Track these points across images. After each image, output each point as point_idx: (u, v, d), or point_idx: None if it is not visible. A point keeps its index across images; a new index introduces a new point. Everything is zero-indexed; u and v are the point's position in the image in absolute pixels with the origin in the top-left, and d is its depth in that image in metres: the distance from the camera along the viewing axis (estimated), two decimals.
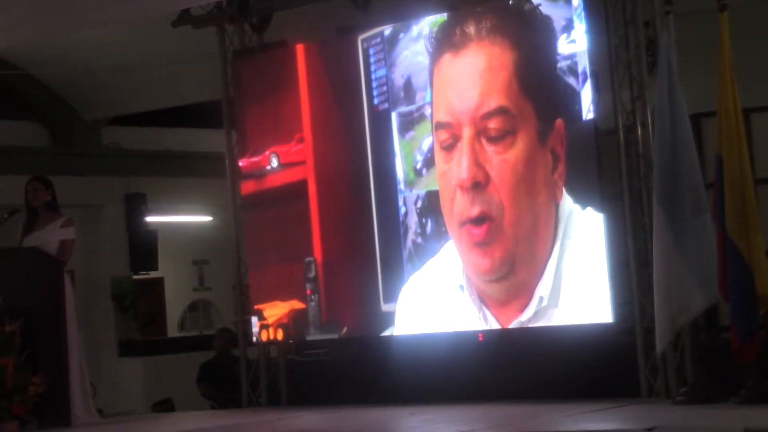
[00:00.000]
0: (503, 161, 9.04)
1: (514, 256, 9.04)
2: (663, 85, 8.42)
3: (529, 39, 9.11)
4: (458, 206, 9.29)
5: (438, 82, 9.49)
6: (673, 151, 8.35)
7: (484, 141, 9.12)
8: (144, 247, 14.97)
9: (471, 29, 9.25)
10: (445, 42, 9.44)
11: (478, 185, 9.12)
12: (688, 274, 8.22)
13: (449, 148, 9.32)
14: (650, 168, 8.68)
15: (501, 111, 9.07)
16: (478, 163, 9.12)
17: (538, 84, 9.05)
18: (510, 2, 9.30)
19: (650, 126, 8.90)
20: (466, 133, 9.18)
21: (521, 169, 9.00)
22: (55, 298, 9.56)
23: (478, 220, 9.15)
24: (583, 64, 8.85)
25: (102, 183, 14.64)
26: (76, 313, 9.86)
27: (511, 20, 9.18)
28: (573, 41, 8.91)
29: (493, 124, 9.09)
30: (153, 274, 15.52)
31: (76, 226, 10.10)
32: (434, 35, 9.53)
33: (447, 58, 9.40)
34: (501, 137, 9.06)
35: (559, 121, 8.91)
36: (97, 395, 10.45)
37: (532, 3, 9.11)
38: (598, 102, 8.86)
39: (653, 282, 8.36)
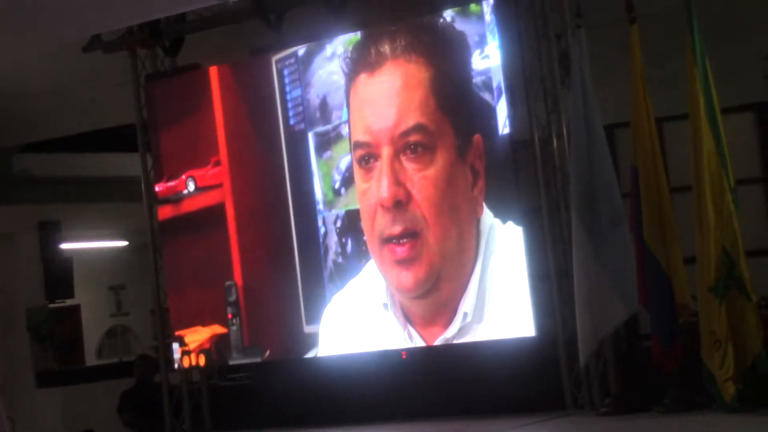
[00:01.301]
0: (424, 178, 9.04)
1: (439, 272, 9.03)
2: (577, 98, 8.51)
3: (445, 55, 9.14)
4: (379, 225, 9.26)
5: (355, 102, 9.48)
6: (589, 162, 8.43)
7: (403, 159, 9.11)
8: (59, 275, 14.73)
9: (386, 48, 9.25)
10: (360, 62, 9.43)
11: (400, 204, 9.10)
12: (608, 284, 8.29)
13: (368, 167, 9.29)
14: (567, 180, 8.75)
15: (419, 128, 9.07)
16: (398, 182, 9.11)
17: (455, 100, 9.07)
18: (423, 20, 9.29)
19: (566, 138, 8.96)
20: (385, 151, 9.17)
21: (442, 186, 9.00)
22: None
23: (401, 238, 9.12)
24: (498, 79, 8.89)
25: (14, 211, 14.37)
26: None
27: (426, 37, 9.20)
28: (487, 57, 8.94)
29: (412, 142, 9.08)
30: (69, 302, 15.28)
31: None
32: (349, 55, 9.52)
33: (363, 77, 9.39)
34: (420, 154, 9.06)
35: (477, 137, 8.94)
36: (15, 429, 10.23)
37: (445, 19, 9.13)
38: (513, 116, 8.90)
39: (574, 293, 8.42)
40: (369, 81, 9.36)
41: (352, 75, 9.48)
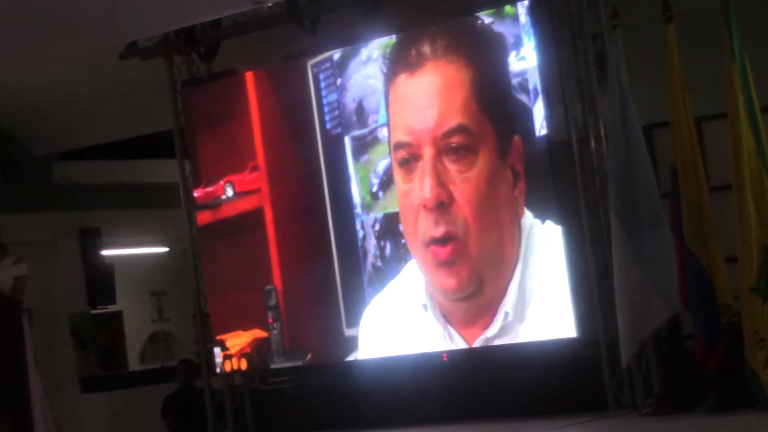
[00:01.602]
0: (466, 180, 9.02)
1: (481, 274, 9.02)
2: (614, 98, 8.47)
3: (484, 56, 9.13)
4: (422, 226, 9.24)
5: (394, 103, 9.47)
6: (627, 163, 8.40)
7: (445, 160, 9.10)
8: (101, 281, 14.82)
9: (426, 48, 9.24)
10: (399, 62, 9.43)
11: (442, 205, 9.09)
12: (649, 285, 8.25)
13: (410, 168, 9.29)
14: (606, 181, 8.71)
15: (461, 129, 9.05)
16: (441, 183, 9.10)
17: (495, 101, 9.06)
18: (462, 19, 9.26)
19: (603, 139, 8.93)
20: (427, 152, 9.15)
21: (484, 188, 8.99)
22: (14, 339, 9.43)
23: (443, 240, 9.11)
24: (534, 80, 8.87)
25: (55, 219, 14.48)
26: (34, 352, 9.74)
27: (466, 38, 9.18)
28: (522, 58, 8.92)
29: (454, 143, 9.07)
30: (111, 308, 15.37)
31: (31, 263, 9.97)
32: (387, 56, 9.51)
33: (402, 78, 9.39)
34: (462, 156, 9.05)
35: (516, 138, 8.92)
36: None
37: (482, 20, 9.12)
38: (550, 118, 8.88)
39: (615, 294, 8.38)
40: (409, 81, 9.34)
41: (391, 75, 9.47)
